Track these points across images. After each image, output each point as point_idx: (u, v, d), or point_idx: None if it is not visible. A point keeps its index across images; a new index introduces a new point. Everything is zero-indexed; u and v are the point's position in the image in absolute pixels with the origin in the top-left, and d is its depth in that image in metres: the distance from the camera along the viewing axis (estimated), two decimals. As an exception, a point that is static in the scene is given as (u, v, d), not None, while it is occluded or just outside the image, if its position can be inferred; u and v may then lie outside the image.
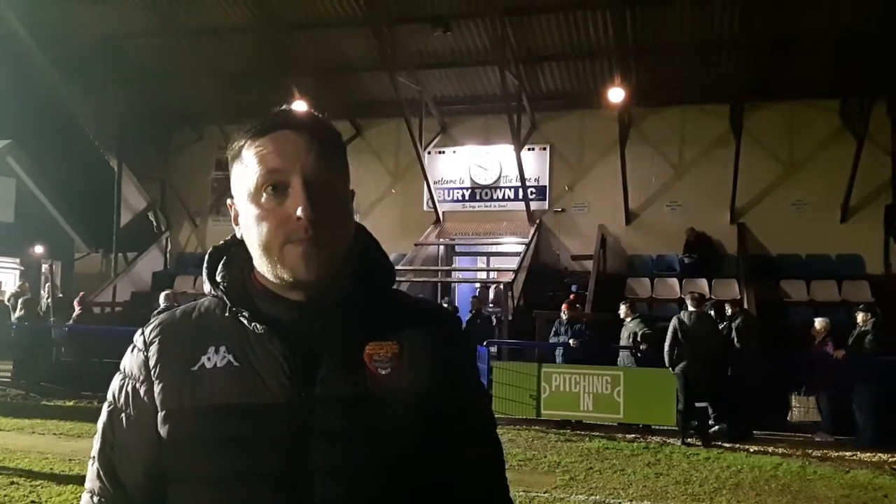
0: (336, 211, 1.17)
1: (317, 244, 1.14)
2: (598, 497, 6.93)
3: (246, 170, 1.19)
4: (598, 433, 10.26)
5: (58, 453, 8.02)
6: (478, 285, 16.70)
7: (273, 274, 1.18)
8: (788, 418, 11.41)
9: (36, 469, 7.31)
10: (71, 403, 11.86)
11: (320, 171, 1.16)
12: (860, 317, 10.55)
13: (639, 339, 11.09)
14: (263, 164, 1.17)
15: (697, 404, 9.95)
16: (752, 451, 9.47)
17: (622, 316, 11.51)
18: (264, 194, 1.16)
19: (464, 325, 12.60)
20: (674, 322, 10.16)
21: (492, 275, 16.94)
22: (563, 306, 11.87)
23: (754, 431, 10.46)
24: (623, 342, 11.41)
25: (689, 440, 9.83)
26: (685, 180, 16.33)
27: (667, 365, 10.14)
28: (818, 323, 10.94)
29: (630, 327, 11.31)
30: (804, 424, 11.00)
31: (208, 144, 18.35)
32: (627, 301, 11.92)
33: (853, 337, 10.49)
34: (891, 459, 9.11)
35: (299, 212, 1.13)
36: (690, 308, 10.21)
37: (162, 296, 12.98)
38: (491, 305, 15.40)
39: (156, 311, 13.67)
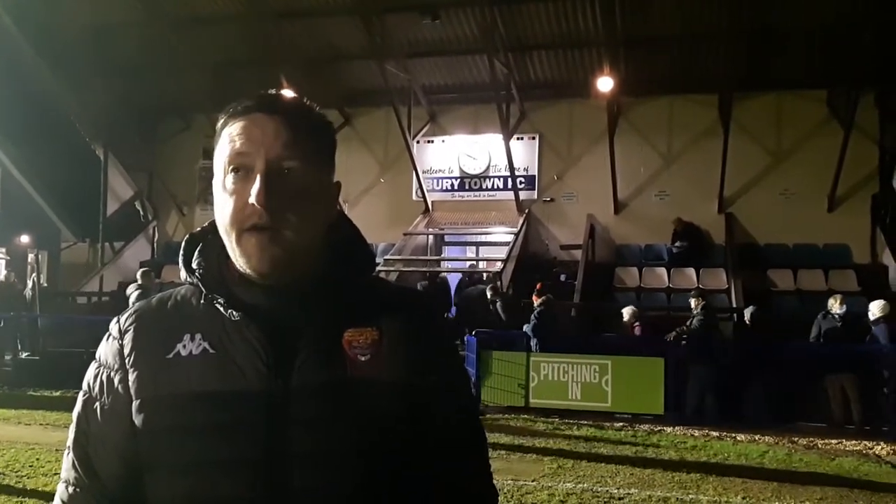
0: (298, 199, 1.13)
1: (272, 233, 1.12)
2: (585, 485, 6.95)
3: (220, 151, 1.18)
4: (586, 421, 10.30)
5: (44, 444, 7.96)
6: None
7: (235, 260, 1.17)
8: None
9: (22, 460, 7.27)
10: (57, 394, 11.79)
11: (285, 157, 1.13)
12: (692, 302, 11.28)
13: None
14: (232, 146, 1.15)
15: None
16: (738, 439, 9.54)
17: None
18: (230, 176, 1.15)
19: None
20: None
21: (481, 264, 16.94)
22: (532, 296, 11.96)
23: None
24: None
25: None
26: (673, 170, 16.36)
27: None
28: (626, 313, 11.91)
29: None
30: None
31: (195, 134, 18.20)
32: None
33: (690, 320, 11.21)
34: (875, 447, 9.20)
35: (252, 197, 1.11)
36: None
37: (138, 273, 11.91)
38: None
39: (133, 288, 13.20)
